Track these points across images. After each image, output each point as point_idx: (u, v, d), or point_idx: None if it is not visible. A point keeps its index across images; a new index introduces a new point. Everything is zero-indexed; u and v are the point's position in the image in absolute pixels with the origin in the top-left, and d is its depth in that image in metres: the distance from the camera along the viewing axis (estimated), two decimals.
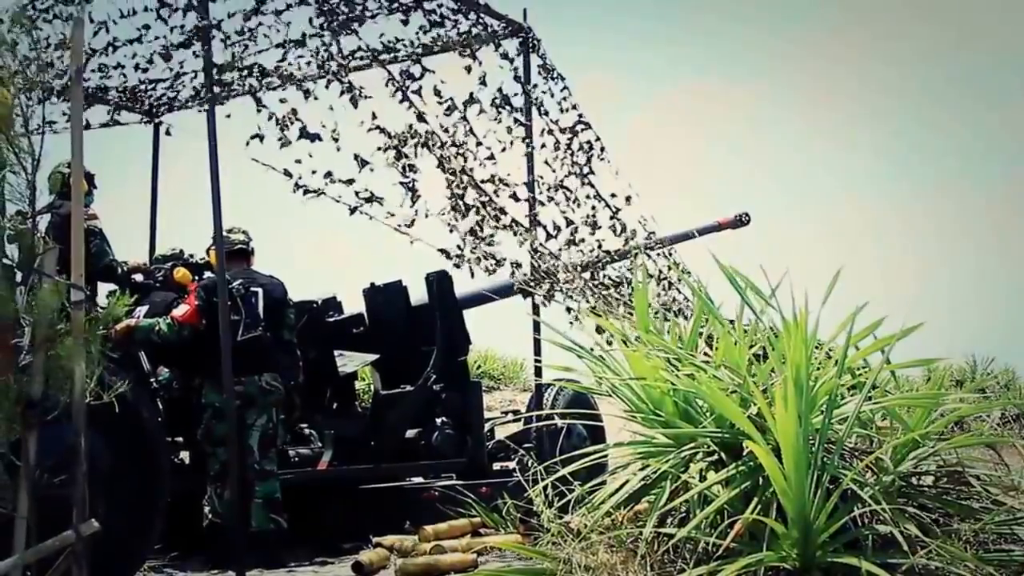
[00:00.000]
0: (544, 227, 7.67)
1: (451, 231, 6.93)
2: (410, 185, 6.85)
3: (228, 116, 7.04)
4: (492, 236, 7.06)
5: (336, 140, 6.73)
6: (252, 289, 7.12)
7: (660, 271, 8.07)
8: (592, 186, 8.10)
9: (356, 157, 6.78)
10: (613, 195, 8.18)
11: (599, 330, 6.14)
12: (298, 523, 7.21)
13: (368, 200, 6.73)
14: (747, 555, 3.97)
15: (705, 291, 5.41)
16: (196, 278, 7.45)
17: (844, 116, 28.96)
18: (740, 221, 9.98)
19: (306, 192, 6.66)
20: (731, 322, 5.00)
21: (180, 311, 6.94)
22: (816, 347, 4.50)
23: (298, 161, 6.63)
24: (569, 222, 7.86)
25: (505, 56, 7.84)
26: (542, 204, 7.77)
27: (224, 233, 7.11)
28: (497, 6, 7.71)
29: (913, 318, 4.47)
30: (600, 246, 8.00)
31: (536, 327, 7.57)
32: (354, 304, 8.91)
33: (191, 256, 7.78)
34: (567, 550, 4.43)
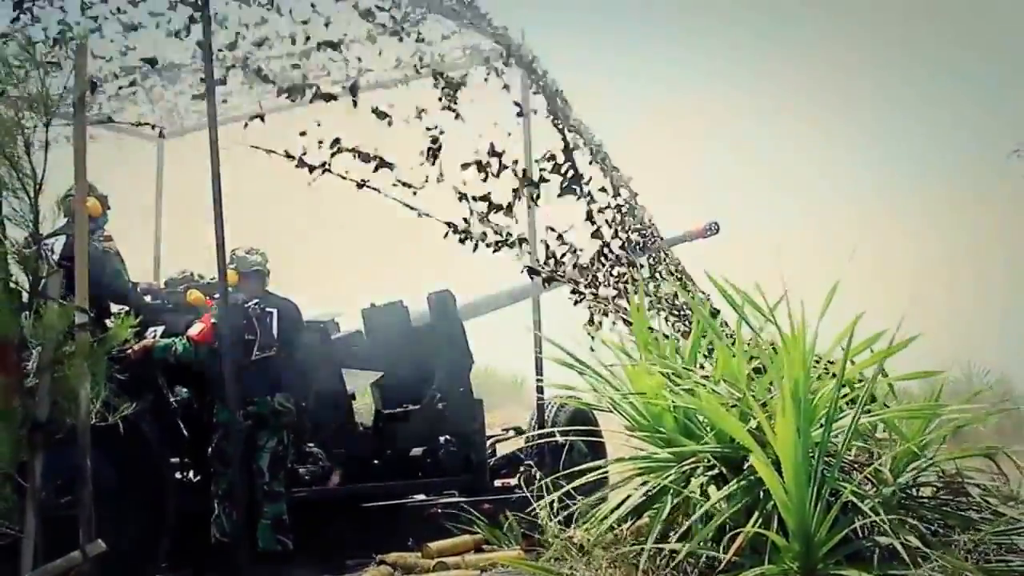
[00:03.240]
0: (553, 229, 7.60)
1: (460, 199, 6.78)
2: (435, 142, 6.71)
3: (245, 123, 7.01)
4: (509, 206, 6.88)
5: (355, 100, 6.62)
6: (267, 310, 7.18)
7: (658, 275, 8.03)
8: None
9: (375, 110, 6.66)
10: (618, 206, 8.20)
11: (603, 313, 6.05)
12: (303, 541, 7.23)
13: (380, 166, 6.54)
14: (749, 568, 3.99)
15: (708, 305, 5.45)
16: (209, 298, 7.49)
17: (844, 121, 29.02)
18: (709, 230, 10.04)
19: (311, 169, 6.47)
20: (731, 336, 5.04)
21: (196, 330, 6.98)
22: (816, 361, 4.53)
23: (302, 133, 6.51)
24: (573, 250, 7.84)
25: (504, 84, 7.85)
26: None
27: (243, 254, 7.21)
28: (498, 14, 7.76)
29: (910, 328, 4.50)
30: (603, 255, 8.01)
31: (537, 343, 7.61)
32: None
33: (201, 277, 7.82)
34: (570, 565, 4.45)
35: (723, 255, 10.15)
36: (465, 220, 6.80)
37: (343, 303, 9.13)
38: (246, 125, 6.61)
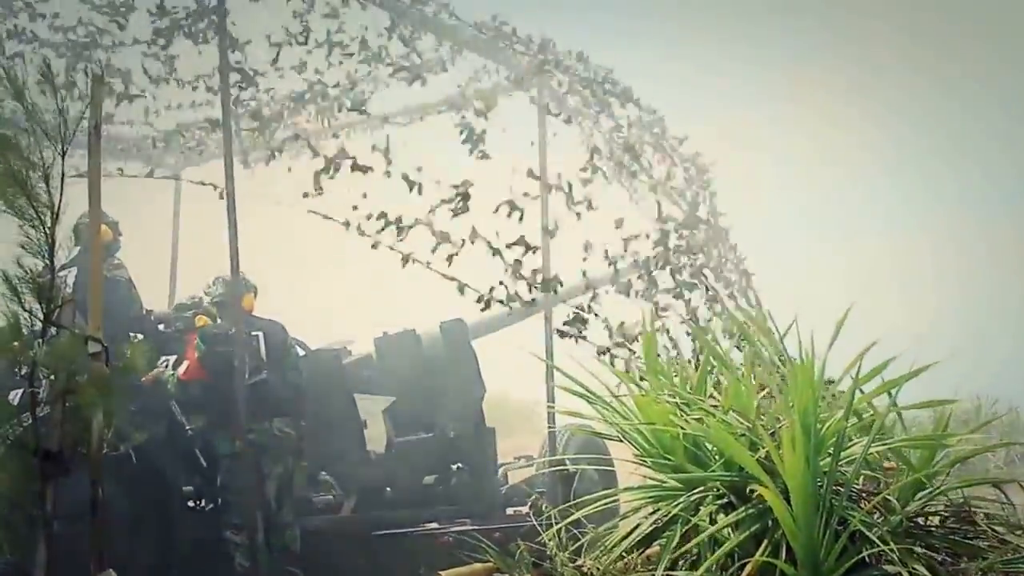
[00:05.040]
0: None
1: (494, 254, 6.94)
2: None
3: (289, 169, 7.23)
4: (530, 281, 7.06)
5: (389, 172, 6.79)
6: (253, 333, 7.19)
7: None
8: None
9: (405, 177, 6.83)
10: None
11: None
12: (315, 570, 7.23)
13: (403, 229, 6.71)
14: None
15: (713, 335, 5.45)
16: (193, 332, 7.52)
17: (864, 147, 29.03)
18: None
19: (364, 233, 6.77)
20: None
21: (182, 369, 7.00)
22: (826, 389, 4.54)
23: (355, 208, 6.91)
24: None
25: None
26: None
27: (222, 281, 7.24)
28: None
29: (919, 356, 4.50)
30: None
31: (549, 373, 7.61)
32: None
33: (213, 304, 7.86)
34: None
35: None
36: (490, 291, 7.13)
37: (355, 335, 9.16)
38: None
